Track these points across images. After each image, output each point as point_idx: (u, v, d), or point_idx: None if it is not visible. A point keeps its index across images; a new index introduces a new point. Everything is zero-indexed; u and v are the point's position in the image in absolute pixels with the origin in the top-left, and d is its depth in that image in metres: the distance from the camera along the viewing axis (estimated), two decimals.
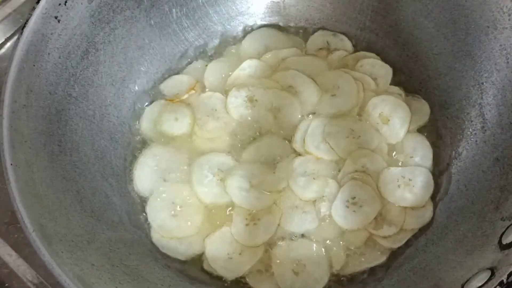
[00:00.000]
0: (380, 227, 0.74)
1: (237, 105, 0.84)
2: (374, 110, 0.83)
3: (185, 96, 0.86)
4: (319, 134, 0.81)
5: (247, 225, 0.75)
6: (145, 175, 0.79)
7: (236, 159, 0.80)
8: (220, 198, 0.77)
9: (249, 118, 0.84)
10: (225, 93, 0.86)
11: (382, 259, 0.73)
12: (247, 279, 0.72)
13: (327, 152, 0.80)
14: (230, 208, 0.77)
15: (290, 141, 0.82)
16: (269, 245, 0.74)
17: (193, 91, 0.86)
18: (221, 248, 0.73)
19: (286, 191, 0.77)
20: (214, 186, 0.77)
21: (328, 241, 0.74)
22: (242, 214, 0.75)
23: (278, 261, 0.72)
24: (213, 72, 0.89)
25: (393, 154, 0.81)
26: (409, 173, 0.78)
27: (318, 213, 0.75)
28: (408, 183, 0.77)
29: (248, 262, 0.73)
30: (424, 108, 0.84)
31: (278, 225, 0.75)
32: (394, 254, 0.74)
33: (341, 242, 0.74)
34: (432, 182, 0.78)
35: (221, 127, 0.83)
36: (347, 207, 0.75)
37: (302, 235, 0.75)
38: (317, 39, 0.93)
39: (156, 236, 0.75)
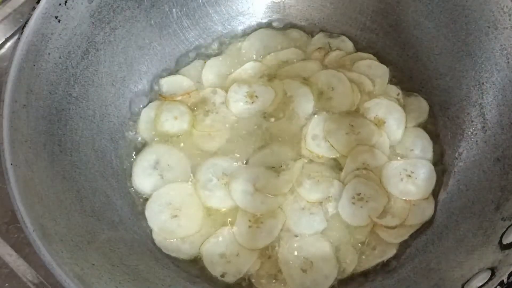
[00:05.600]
0: (384, 217, 0.75)
1: (237, 100, 0.85)
2: (369, 114, 0.83)
3: (179, 98, 0.86)
4: (319, 132, 0.81)
5: (250, 227, 0.75)
6: (144, 173, 0.79)
7: (237, 157, 0.80)
8: (224, 202, 0.77)
9: (249, 113, 0.84)
10: (225, 89, 0.87)
11: (392, 252, 0.74)
12: (254, 282, 0.72)
13: (328, 150, 0.80)
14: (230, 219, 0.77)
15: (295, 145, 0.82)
16: (275, 245, 0.74)
17: (188, 95, 0.86)
18: (217, 253, 0.73)
19: (292, 194, 0.77)
20: (218, 190, 0.77)
21: (334, 239, 0.74)
22: (246, 216, 0.75)
23: (285, 261, 0.73)
24: (211, 69, 0.90)
25: (393, 149, 0.81)
26: (411, 166, 0.79)
27: (326, 213, 0.76)
28: (411, 176, 0.78)
29: (246, 263, 0.73)
30: (422, 106, 0.85)
31: (281, 230, 0.75)
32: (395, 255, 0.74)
33: (348, 238, 0.75)
34: (434, 174, 0.78)
35: (220, 121, 0.84)
36: (353, 204, 0.76)
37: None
38: (318, 41, 0.93)
39: (159, 238, 0.75)
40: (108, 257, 0.63)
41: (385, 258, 0.74)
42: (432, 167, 0.79)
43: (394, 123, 0.82)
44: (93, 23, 0.74)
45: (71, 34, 0.70)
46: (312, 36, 0.94)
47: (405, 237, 0.74)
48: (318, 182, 0.77)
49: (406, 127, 0.82)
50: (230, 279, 0.72)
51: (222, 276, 0.72)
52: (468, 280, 0.56)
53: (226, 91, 0.86)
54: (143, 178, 0.79)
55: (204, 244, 0.74)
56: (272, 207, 0.76)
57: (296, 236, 0.74)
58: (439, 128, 0.82)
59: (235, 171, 0.79)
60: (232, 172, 0.79)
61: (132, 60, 0.84)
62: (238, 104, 0.85)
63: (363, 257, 0.74)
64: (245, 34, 0.95)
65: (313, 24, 0.95)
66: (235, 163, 0.80)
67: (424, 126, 0.84)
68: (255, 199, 0.76)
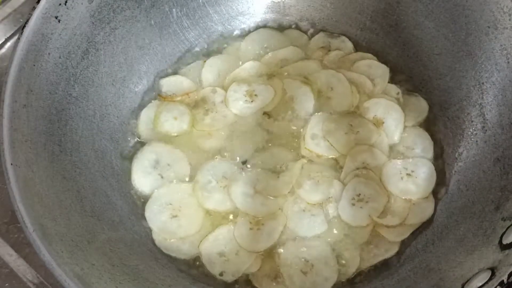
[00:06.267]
0: (384, 217, 0.75)
1: (236, 99, 0.85)
2: (368, 113, 0.83)
3: (179, 98, 0.86)
4: (318, 132, 0.81)
5: (251, 229, 0.74)
6: (144, 172, 0.79)
7: (237, 157, 0.81)
8: (222, 205, 0.77)
9: (248, 112, 0.84)
10: (224, 88, 0.87)
11: (394, 251, 0.74)
12: (254, 283, 0.72)
13: (327, 150, 0.80)
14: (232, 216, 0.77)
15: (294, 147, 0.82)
16: (276, 246, 0.74)
17: (188, 96, 0.86)
18: (216, 252, 0.73)
19: (293, 195, 0.77)
20: (217, 192, 0.77)
21: (335, 240, 0.74)
22: (246, 218, 0.75)
23: (285, 262, 0.73)
24: (211, 68, 0.90)
25: (393, 149, 0.81)
26: (412, 165, 0.79)
27: (326, 215, 0.76)
28: (411, 175, 0.78)
29: (245, 263, 0.73)
30: (422, 105, 0.85)
31: (282, 232, 0.74)
32: (395, 255, 0.74)
33: (349, 239, 0.75)
34: (434, 173, 0.78)
35: (220, 120, 0.84)
36: (353, 204, 0.76)
37: None
38: (318, 41, 0.93)
39: (159, 238, 0.75)
40: (108, 257, 0.63)
41: (387, 256, 0.74)
42: (432, 166, 0.79)
43: (392, 123, 0.82)
44: (93, 23, 0.74)
45: (71, 34, 0.70)
46: (312, 36, 0.94)
47: (407, 235, 0.74)
48: (318, 183, 0.77)
49: (405, 126, 0.83)
50: (228, 278, 0.72)
51: (221, 274, 0.72)
52: (468, 280, 0.56)
53: (226, 90, 0.86)
54: (143, 177, 0.79)
55: (203, 243, 0.74)
56: (273, 208, 0.76)
57: (296, 238, 0.74)
58: (439, 128, 0.82)
59: (235, 174, 0.79)
60: (231, 175, 0.79)
61: (132, 60, 0.84)
62: (238, 103, 0.85)
63: (365, 256, 0.74)
64: (245, 34, 0.95)
65: (313, 24, 0.95)
66: (235, 166, 0.80)
67: (424, 125, 0.84)
68: (255, 201, 0.76)
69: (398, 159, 0.80)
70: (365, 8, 0.90)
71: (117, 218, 0.72)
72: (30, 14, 0.64)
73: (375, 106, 0.84)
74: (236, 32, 0.95)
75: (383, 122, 0.82)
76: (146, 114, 0.85)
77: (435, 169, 0.79)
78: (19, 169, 0.57)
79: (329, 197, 0.77)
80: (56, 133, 0.67)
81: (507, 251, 0.55)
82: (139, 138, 0.83)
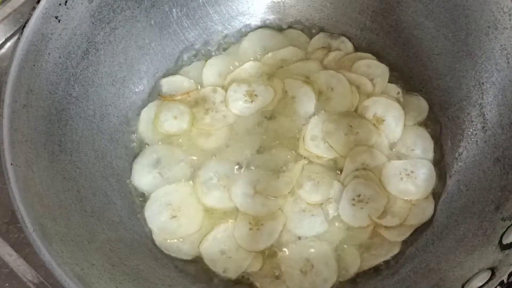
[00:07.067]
0: (384, 217, 0.75)
1: (236, 99, 0.85)
2: (367, 112, 0.83)
3: (179, 98, 0.86)
4: (318, 133, 0.81)
5: (250, 229, 0.75)
6: (144, 171, 0.79)
7: (237, 157, 0.81)
8: (219, 203, 0.77)
9: (248, 112, 0.85)
10: (225, 88, 0.87)
11: (395, 251, 0.74)
12: (254, 282, 0.72)
13: (327, 151, 0.80)
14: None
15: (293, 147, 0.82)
16: (277, 246, 0.74)
17: (188, 95, 0.86)
18: (217, 250, 0.74)
19: (293, 196, 0.77)
20: (216, 190, 0.77)
21: (336, 241, 0.74)
22: (246, 218, 0.75)
23: (285, 262, 0.73)
24: (212, 68, 0.90)
25: (393, 149, 0.81)
26: (411, 166, 0.79)
27: (326, 215, 0.76)
28: (411, 175, 0.78)
29: (246, 258, 0.73)
30: (422, 105, 0.85)
31: (282, 231, 0.74)
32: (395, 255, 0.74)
33: (349, 240, 0.75)
34: (434, 173, 0.78)
35: (220, 120, 0.84)
36: (354, 205, 0.76)
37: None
38: (318, 41, 0.93)
39: (159, 239, 0.75)
40: (108, 257, 0.63)
41: (387, 256, 0.74)
42: (432, 167, 0.79)
43: (392, 121, 0.82)
44: (93, 23, 0.74)
45: (71, 34, 0.70)
46: (312, 36, 0.94)
47: (407, 235, 0.75)
48: (318, 184, 0.77)
49: (405, 125, 0.82)
50: (231, 274, 0.72)
51: (224, 272, 0.72)
52: (468, 280, 0.56)
53: (226, 90, 0.86)
54: (143, 177, 0.79)
55: (202, 243, 0.74)
56: (273, 209, 0.76)
57: (297, 238, 0.74)
58: (439, 128, 0.82)
59: (235, 174, 0.79)
60: (231, 175, 0.79)
61: (132, 60, 0.84)
62: (238, 103, 0.85)
63: (365, 257, 0.74)
64: (245, 34, 0.95)
65: (313, 24, 0.95)
66: (235, 166, 0.80)
67: (424, 125, 0.84)
68: (255, 201, 0.76)
69: (398, 159, 0.80)
70: (365, 8, 0.90)
71: (117, 218, 0.72)
72: (30, 14, 0.64)
73: (374, 105, 0.84)
74: (236, 32, 0.95)
75: (383, 120, 0.82)
76: (146, 114, 0.85)
77: (435, 169, 0.79)
78: (19, 169, 0.57)
79: (329, 198, 0.77)
80: (56, 133, 0.67)
81: (507, 251, 0.55)
82: (139, 138, 0.83)
